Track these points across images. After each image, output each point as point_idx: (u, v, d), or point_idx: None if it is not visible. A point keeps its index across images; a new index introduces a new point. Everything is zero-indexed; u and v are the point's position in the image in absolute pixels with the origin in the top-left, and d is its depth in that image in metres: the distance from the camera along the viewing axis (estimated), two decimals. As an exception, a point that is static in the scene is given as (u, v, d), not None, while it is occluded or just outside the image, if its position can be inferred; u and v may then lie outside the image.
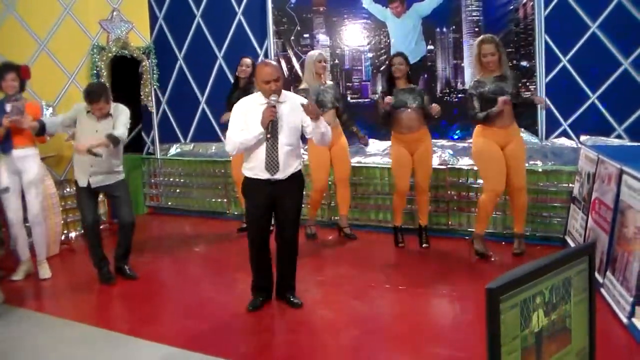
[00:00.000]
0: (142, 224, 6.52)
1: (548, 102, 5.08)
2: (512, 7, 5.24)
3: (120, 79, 6.57)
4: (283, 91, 3.67)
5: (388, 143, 5.33)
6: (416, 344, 3.31)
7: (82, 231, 5.88)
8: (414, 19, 5.72)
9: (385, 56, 5.82)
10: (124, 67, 6.64)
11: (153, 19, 6.91)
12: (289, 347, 3.40)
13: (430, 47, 5.70)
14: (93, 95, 4.28)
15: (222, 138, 5.63)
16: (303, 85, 5.25)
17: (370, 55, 5.99)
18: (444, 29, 5.62)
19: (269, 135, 3.55)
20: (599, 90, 4.99)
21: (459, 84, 5.59)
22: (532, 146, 5.21)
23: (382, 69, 5.85)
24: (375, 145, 5.85)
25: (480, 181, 5.05)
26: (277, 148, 3.59)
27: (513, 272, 1.33)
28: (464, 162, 5.37)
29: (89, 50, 6.31)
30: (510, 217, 5.02)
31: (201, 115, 6.84)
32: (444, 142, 5.61)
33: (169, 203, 7.03)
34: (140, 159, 7.05)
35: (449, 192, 5.38)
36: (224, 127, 5.38)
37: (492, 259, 4.58)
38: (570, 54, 5.08)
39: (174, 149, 7.06)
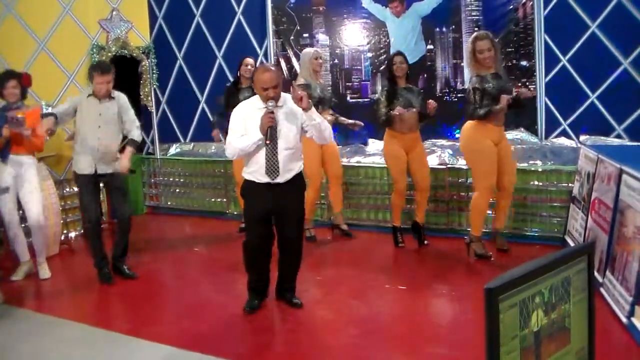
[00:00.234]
0: (142, 224, 6.53)
1: (548, 102, 5.09)
2: (511, 6, 5.24)
3: (119, 78, 6.54)
4: (282, 94, 3.64)
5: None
6: (415, 343, 3.32)
7: (83, 230, 5.92)
8: (413, 19, 5.73)
9: (384, 56, 5.82)
10: (123, 66, 6.63)
11: (152, 18, 6.92)
12: (288, 347, 3.40)
13: (430, 46, 5.70)
14: (104, 66, 4.45)
15: (222, 138, 5.63)
16: (302, 81, 5.23)
17: (369, 55, 5.99)
18: (444, 29, 5.62)
19: (268, 142, 3.52)
20: (599, 90, 4.99)
21: (458, 83, 5.59)
22: (532, 146, 5.22)
23: (381, 68, 5.85)
24: (375, 145, 5.85)
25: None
26: (276, 153, 3.57)
27: (512, 271, 1.33)
28: (464, 162, 5.37)
29: (89, 50, 6.31)
30: (506, 216, 5.04)
31: (201, 115, 6.84)
32: (443, 142, 5.62)
33: (169, 203, 7.02)
34: (140, 158, 7.05)
35: (448, 192, 5.38)
36: (223, 127, 5.38)
37: (492, 259, 4.57)
38: (570, 53, 5.08)
39: (173, 149, 7.06)
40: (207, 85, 6.73)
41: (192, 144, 6.96)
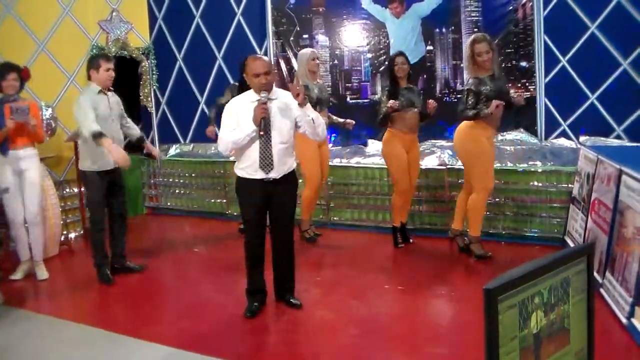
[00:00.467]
0: (142, 224, 6.54)
1: (548, 103, 5.09)
2: (511, 7, 5.25)
3: (119, 79, 6.55)
4: (274, 88, 3.63)
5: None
6: (415, 344, 3.32)
7: (84, 230, 5.91)
8: (413, 20, 5.73)
9: (384, 57, 5.82)
10: (123, 67, 6.63)
11: (152, 19, 6.92)
12: (288, 347, 3.40)
13: (430, 47, 5.70)
14: (107, 54, 4.59)
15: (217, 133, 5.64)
16: (300, 83, 5.23)
17: (369, 55, 5.99)
18: (443, 30, 5.62)
19: (261, 133, 3.50)
20: (598, 91, 4.99)
21: (458, 84, 5.60)
22: (532, 147, 5.22)
23: (381, 69, 5.85)
24: (374, 146, 5.85)
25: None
26: (270, 146, 3.55)
27: (511, 272, 1.33)
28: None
29: (88, 51, 6.31)
30: (506, 216, 5.05)
31: (200, 116, 6.84)
32: (443, 142, 5.62)
33: (169, 203, 7.02)
34: (140, 159, 7.05)
35: (448, 192, 5.37)
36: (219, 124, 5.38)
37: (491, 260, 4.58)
38: (570, 54, 5.08)
39: (173, 150, 7.06)
40: (206, 86, 6.73)
41: (192, 145, 6.96)
